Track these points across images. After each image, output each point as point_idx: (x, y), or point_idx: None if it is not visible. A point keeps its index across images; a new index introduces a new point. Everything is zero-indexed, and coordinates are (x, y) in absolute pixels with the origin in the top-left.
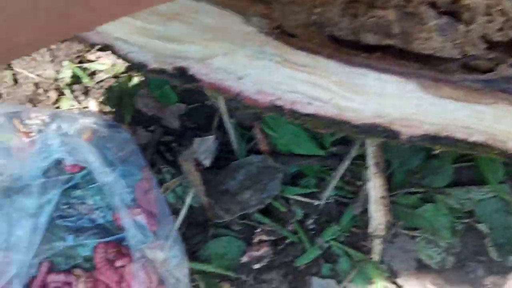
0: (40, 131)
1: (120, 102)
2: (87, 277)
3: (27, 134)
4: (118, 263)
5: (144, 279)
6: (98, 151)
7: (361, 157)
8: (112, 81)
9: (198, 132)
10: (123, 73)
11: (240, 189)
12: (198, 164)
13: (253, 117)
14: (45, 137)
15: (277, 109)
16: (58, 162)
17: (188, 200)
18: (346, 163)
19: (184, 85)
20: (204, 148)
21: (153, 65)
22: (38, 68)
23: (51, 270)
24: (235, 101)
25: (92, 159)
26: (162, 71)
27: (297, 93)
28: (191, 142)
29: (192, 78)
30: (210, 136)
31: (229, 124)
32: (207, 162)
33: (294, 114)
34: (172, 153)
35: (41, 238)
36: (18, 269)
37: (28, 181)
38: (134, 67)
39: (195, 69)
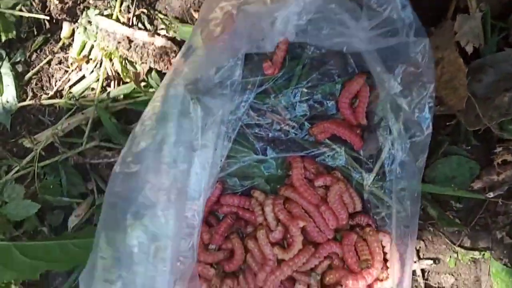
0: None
1: None
2: (274, 200)
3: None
4: (319, 182)
5: (348, 203)
6: None
7: None
8: None
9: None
10: None
11: (493, 92)
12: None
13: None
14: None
15: None
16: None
17: None
18: None
19: None
20: (467, 29)
21: None
22: None
23: (223, 191)
24: None
25: None
26: None
27: None
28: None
29: None
30: (477, 13)
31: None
32: (470, 48)
33: None
34: None
35: (228, 150)
36: (206, 186)
37: (215, 81)
38: None
39: None
